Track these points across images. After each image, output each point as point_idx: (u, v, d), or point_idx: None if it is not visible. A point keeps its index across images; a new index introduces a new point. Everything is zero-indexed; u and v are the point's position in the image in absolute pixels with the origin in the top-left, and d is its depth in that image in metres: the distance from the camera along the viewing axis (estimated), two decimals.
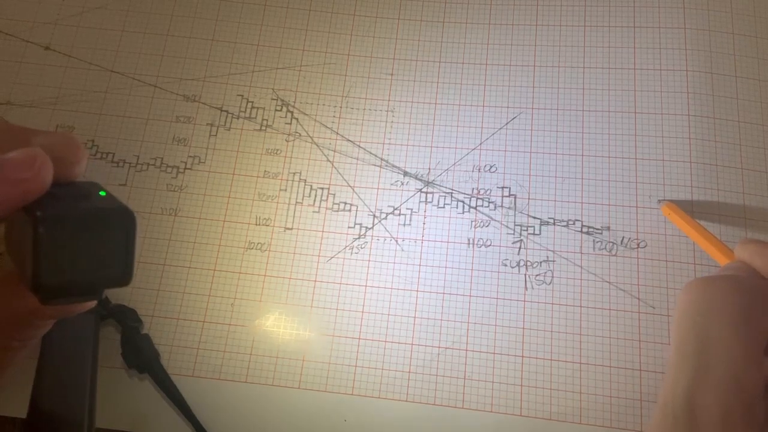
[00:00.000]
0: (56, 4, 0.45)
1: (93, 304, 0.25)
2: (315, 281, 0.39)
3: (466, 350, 0.37)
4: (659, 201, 0.38)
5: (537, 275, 0.38)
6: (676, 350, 0.29)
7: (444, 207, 0.40)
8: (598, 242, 0.39)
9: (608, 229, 0.39)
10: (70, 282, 0.22)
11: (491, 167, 0.41)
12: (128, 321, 0.37)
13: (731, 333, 0.27)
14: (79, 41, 0.44)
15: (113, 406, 0.36)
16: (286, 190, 0.41)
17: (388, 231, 0.40)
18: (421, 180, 0.41)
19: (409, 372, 0.37)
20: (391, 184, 0.41)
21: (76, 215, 0.21)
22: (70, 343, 0.34)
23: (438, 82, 0.43)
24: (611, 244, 0.38)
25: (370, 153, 0.42)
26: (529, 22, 0.44)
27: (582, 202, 0.40)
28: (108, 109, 0.43)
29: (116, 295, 0.38)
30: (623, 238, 0.39)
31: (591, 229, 0.39)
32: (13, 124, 0.25)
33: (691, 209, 0.39)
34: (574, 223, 0.39)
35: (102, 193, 0.23)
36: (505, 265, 0.38)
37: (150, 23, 0.45)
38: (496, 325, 0.37)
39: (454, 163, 0.41)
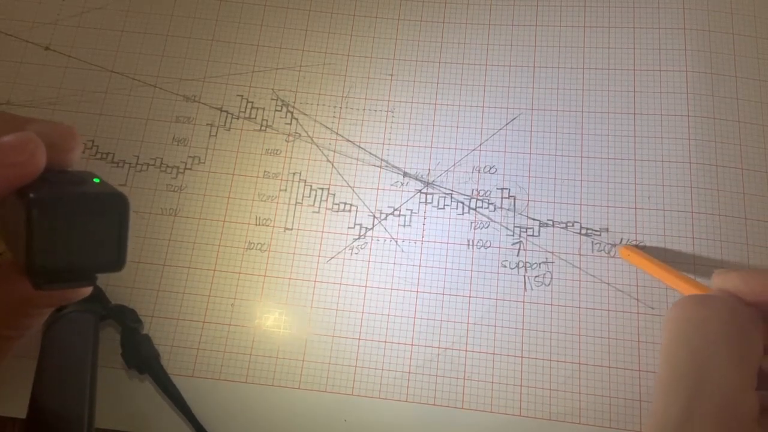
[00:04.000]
0: (56, 4, 0.45)
1: (87, 291, 0.25)
2: (315, 281, 0.39)
3: (466, 351, 0.37)
4: (615, 246, 0.38)
5: (536, 276, 0.38)
6: (669, 370, 0.28)
7: (444, 208, 0.40)
8: (596, 244, 0.39)
9: (607, 230, 0.39)
10: (63, 266, 0.22)
11: (491, 168, 0.41)
12: (128, 321, 0.37)
13: (728, 355, 0.26)
14: (79, 41, 0.44)
15: (113, 406, 0.36)
16: (286, 190, 0.41)
17: (388, 231, 0.40)
18: (420, 181, 0.41)
19: (409, 372, 0.37)
20: (391, 185, 0.41)
21: (69, 198, 0.22)
22: (70, 343, 0.34)
23: (438, 83, 0.43)
24: (610, 245, 0.38)
25: (370, 153, 0.42)
26: (529, 23, 0.44)
27: (581, 204, 0.40)
28: (108, 110, 0.43)
29: (116, 296, 0.38)
30: (622, 239, 0.39)
31: (590, 231, 0.39)
32: (9, 112, 0.25)
33: (690, 210, 0.39)
34: (573, 225, 0.39)
35: (96, 180, 0.23)
36: (505, 266, 0.38)
37: (150, 23, 0.45)
38: (495, 326, 0.37)
39: (454, 164, 0.41)
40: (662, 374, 0.28)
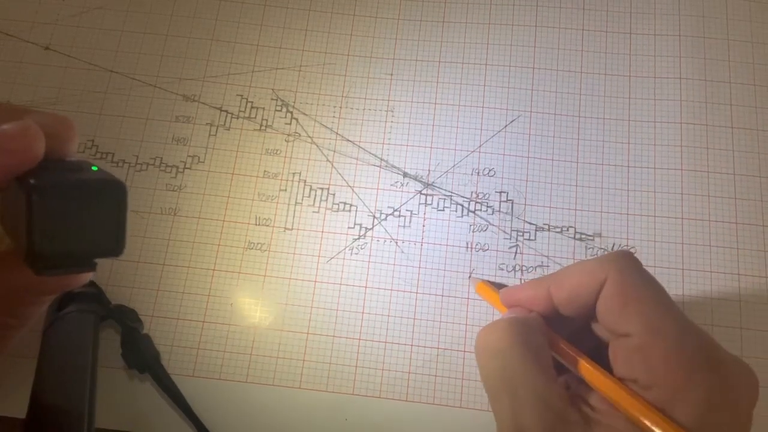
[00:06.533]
0: (56, 4, 0.45)
1: (87, 278, 0.25)
2: (315, 282, 0.39)
3: (464, 351, 0.38)
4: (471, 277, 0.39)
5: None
6: (490, 395, 0.29)
7: (443, 210, 0.40)
8: (590, 249, 0.39)
9: (600, 235, 0.39)
10: (63, 251, 0.22)
11: (490, 171, 0.41)
12: (128, 321, 0.37)
13: (524, 362, 0.28)
14: (79, 41, 0.44)
15: (113, 406, 0.36)
16: (285, 190, 0.41)
17: (387, 232, 0.40)
18: (420, 181, 0.41)
19: (409, 372, 0.37)
20: (391, 185, 0.41)
21: (69, 184, 0.22)
22: (70, 343, 0.34)
23: (438, 82, 0.43)
24: (602, 250, 0.39)
25: (370, 153, 0.42)
26: (528, 23, 0.44)
27: (575, 209, 0.40)
28: (107, 109, 0.43)
29: (116, 296, 0.38)
30: (614, 244, 0.39)
31: (583, 236, 0.40)
32: (8, 103, 0.26)
33: (681, 216, 0.39)
34: (567, 230, 0.40)
35: (94, 168, 0.24)
36: (502, 270, 0.39)
37: (150, 23, 0.45)
38: None
39: (454, 166, 0.41)
40: (489, 400, 0.30)
